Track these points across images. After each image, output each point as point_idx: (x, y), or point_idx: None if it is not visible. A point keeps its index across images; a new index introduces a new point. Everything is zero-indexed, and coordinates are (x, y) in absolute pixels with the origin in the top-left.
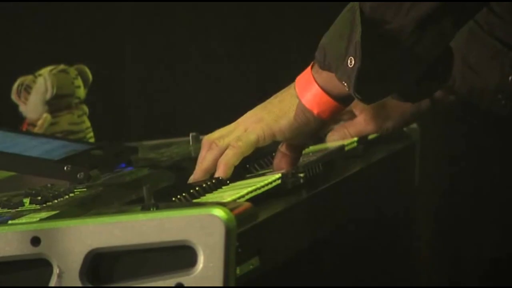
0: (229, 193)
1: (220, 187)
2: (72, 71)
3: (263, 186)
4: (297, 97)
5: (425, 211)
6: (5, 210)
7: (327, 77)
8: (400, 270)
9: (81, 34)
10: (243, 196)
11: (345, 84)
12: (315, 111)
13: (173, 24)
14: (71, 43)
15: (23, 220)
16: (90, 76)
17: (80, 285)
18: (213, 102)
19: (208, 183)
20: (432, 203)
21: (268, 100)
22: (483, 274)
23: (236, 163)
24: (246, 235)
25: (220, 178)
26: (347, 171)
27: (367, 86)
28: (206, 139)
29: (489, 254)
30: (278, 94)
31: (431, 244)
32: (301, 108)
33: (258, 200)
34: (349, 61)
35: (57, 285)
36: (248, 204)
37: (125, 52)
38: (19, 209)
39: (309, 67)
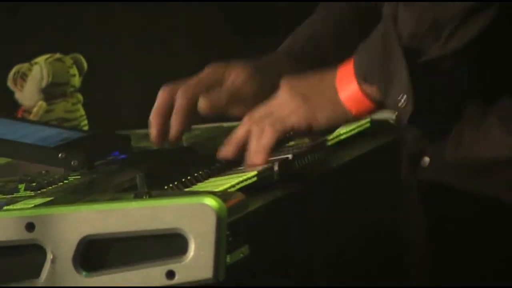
0: (220, 183)
1: (213, 177)
2: (68, 60)
3: (254, 176)
4: (337, 92)
5: (411, 204)
6: (0, 196)
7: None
8: (386, 261)
9: (78, 24)
10: (234, 186)
11: (395, 114)
12: (354, 111)
13: (167, 15)
14: (68, 32)
15: (18, 206)
16: (85, 65)
17: (73, 270)
18: None
19: (200, 172)
20: (417, 195)
21: (306, 84)
22: (469, 269)
23: (273, 145)
24: (237, 224)
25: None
26: (335, 163)
27: (415, 117)
28: (248, 117)
29: (476, 248)
30: (317, 80)
31: (416, 236)
32: (340, 104)
33: (250, 190)
34: (399, 97)
35: (51, 271)
36: (239, 193)
37: (120, 42)
38: (14, 195)
39: (351, 62)
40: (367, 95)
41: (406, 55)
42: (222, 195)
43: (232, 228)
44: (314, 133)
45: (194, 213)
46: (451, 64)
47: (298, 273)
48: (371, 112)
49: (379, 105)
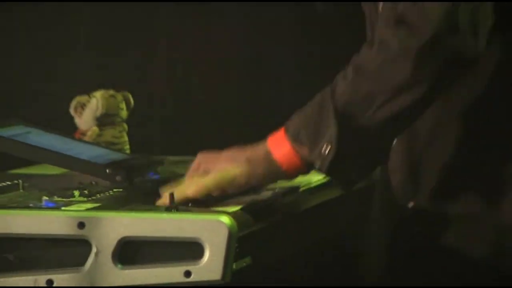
0: (233, 205)
1: (226, 199)
2: (119, 96)
3: (258, 202)
4: (271, 152)
5: (378, 241)
6: (60, 199)
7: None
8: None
9: (128, 67)
10: (243, 209)
11: (317, 164)
12: (284, 168)
13: (202, 52)
14: (120, 72)
15: (72, 208)
16: (132, 102)
17: (111, 263)
18: (228, 130)
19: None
20: (385, 235)
21: (244, 148)
22: None
23: (211, 190)
24: (243, 238)
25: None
26: (316, 201)
27: (336, 168)
28: (194, 170)
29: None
30: (250, 148)
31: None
32: (273, 162)
33: (255, 212)
34: (324, 147)
35: (94, 261)
36: (247, 215)
37: (161, 81)
38: (70, 199)
39: (283, 130)
40: (297, 153)
41: (337, 117)
42: (234, 215)
43: (239, 241)
44: (252, 187)
45: (211, 227)
46: (377, 130)
47: (289, 280)
48: (299, 170)
49: (307, 165)
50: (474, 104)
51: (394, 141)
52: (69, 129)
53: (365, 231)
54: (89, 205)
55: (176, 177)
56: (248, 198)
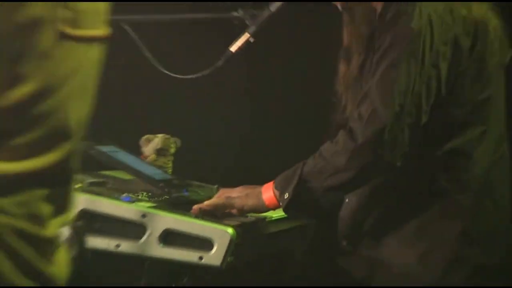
0: (235, 221)
1: (231, 216)
2: (172, 140)
3: (247, 223)
4: (262, 193)
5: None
6: (132, 195)
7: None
8: None
9: (178, 123)
10: (239, 225)
11: (280, 204)
12: (266, 203)
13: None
14: (173, 121)
15: (140, 204)
16: (179, 144)
17: (157, 242)
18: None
19: (224, 213)
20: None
21: (249, 186)
22: None
23: (217, 207)
24: (238, 244)
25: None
26: (276, 228)
27: (291, 209)
28: (217, 197)
29: None
30: (251, 188)
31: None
32: (261, 199)
33: (245, 229)
34: (285, 195)
35: (146, 238)
36: (241, 230)
37: (197, 126)
38: (139, 197)
39: (273, 181)
40: (275, 196)
41: (299, 178)
42: (235, 228)
43: (235, 245)
44: (243, 212)
45: (221, 233)
46: (322, 192)
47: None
48: (276, 207)
49: (279, 204)
50: (394, 187)
51: (346, 199)
52: (137, 153)
53: (304, 252)
54: (149, 204)
55: (199, 197)
56: (242, 220)
